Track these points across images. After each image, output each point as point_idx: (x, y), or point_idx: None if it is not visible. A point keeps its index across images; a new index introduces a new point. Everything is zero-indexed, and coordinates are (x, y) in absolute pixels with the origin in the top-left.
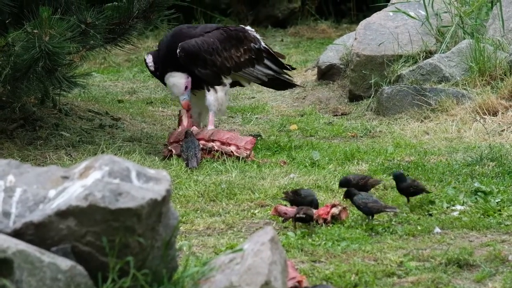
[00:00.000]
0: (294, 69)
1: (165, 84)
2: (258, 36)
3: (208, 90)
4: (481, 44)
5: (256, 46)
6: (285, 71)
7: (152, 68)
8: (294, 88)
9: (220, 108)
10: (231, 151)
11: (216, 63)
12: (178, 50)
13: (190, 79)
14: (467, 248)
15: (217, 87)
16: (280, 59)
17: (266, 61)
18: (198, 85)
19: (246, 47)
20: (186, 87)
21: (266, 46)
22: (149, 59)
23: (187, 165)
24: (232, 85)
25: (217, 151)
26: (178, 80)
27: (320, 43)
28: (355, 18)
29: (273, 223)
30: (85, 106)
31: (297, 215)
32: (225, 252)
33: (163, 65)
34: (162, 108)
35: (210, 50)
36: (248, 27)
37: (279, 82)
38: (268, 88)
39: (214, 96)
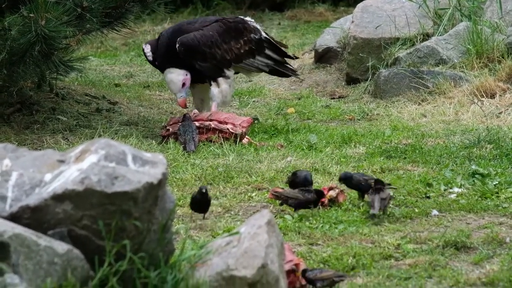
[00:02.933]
0: (297, 58)
1: (160, 67)
2: (258, 26)
3: (211, 84)
4: (479, 26)
5: (256, 37)
6: (286, 62)
7: (150, 58)
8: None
9: (224, 100)
10: (227, 129)
11: (216, 56)
12: (177, 45)
13: (189, 76)
14: (464, 230)
15: (219, 79)
16: (282, 48)
17: (267, 51)
18: (200, 79)
19: (246, 38)
20: (183, 84)
21: (267, 36)
22: (147, 48)
23: (184, 148)
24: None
25: (214, 129)
26: (176, 76)
27: (317, 27)
28: (353, 1)
29: (271, 206)
30: (82, 90)
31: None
32: (222, 235)
33: (163, 61)
34: (159, 92)
35: (209, 44)
36: (247, 18)
37: (280, 73)
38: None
39: (218, 89)
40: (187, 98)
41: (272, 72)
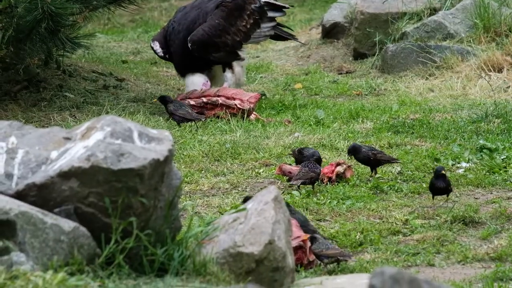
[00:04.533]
0: (292, 6)
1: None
2: None
3: (225, 70)
4: (486, 0)
5: (257, 6)
6: (285, 14)
7: (161, 54)
8: (299, 45)
9: (238, 82)
10: (235, 104)
11: (227, 43)
12: (189, 45)
13: (208, 83)
14: (472, 205)
15: (234, 63)
16: (276, 2)
17: (269, 13)
18: (214, 64)
19: (249, 12)
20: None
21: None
22: (156, 46)
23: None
24: None
25: (221, 104)
26: (197, 78)
27: (324, 1)
28: None
29: (278, 182)
30: (89, 67)
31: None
32: (229, 212)
33: (182, 66)
34: (167, 68)
35: (218, 33)
36: None
37: (283, 37)
38: (272, 47)
39: (232, 73)
40: (156, 60)
41: (275, 37)
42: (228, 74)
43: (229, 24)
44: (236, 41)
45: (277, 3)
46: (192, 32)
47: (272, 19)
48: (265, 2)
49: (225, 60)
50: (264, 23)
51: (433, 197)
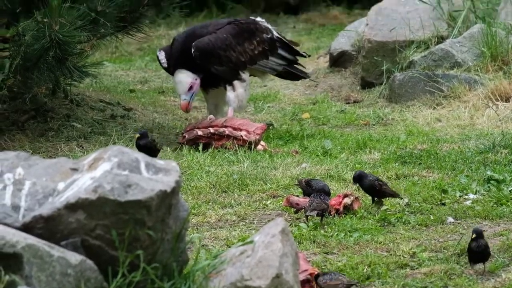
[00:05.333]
0: (309, 56)
1: (171, 67)
2: (269, 26)
3: (226, 89)
4: (493, 28)
5: (269, 36)
6: (298, 61)
7: (165, 65)
8: (309, 75)
9: (240, 105)
10: (241, 136)
11: (231, 59)
12: (192, 50)
13: (198, 82)
14: None
15: (235, 83)
16: (294, 47)
17: (280, 51)
18: (214, 83)
19: (258, 39)
20: (190, 87)
21: (278, 35)
22: (162, 55)
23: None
24: None
25: (228, 136)
26: (185, 78)
27: (332, 30)
28: (367, 4)
29: (285, 214)
30: (96, 96)
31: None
32: (236, 245)
33: (176, 63)
34: (174, 97)
35: (224, 47)
36: (258, 18)
37: (292, 74)
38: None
39: (234, 94)
40: (191, 103)
41: (284, 75)
42: (230, 94)
43: (236, 42)
44: (241, 60)
45: (293, 46)
46: (198, 38)
47: (283, 58)
48: (278, 38)
49: (226, 76)
50: (273, 57)
51: (471, 265)
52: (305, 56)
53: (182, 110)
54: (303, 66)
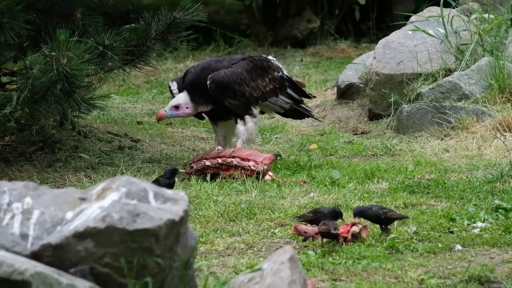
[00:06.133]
0: (314, 97)
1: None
2: (280, 65)
3: (237, 122)
4: (501, 61)
5: (279, 75)
6: (303, 100)
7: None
8: (314, 105)
9: (250, 138)
10: (249, 166)
11: (245, 94)
12: (208, 82)
13: (189, 111)
14: (488, 265)
15: (246, 117)
16: (301, 87)
17: (288, 90)
18: (224, 117)
19: (270, 77)
20: (176, 107)
21: (288, 75)
22: (174, 86)
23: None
24: None
25: (236, 166)
26: (180, 96)
27: (339, 63)
28: (375, 37)
29: (293, 242)
30: (104, 128)
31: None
32: (245, 272)
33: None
34: (182, 129)
35: (239, 81)
36: (270, 56)
37: (297, 112)
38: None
39: (244, 127)
40: (167, 118)
41: (289, 113)
42: (240, 127)
43: (250, 78)
44: (253, 96)
45: (300, 87)
46: (213, 71)
47: (291, 97)
48: (287, 77)
49: (237, 110)
50: (282, 95)
51: None
52: (311, 98)
53: (156, 117)
54: (306, 105)
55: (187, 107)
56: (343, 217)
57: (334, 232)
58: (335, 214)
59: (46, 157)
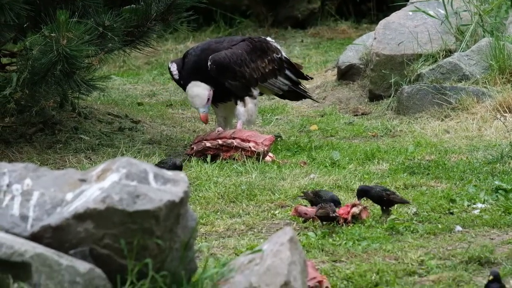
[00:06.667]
0: (311, 78)
1: (183, 80)
2: (279, 46)
3: (237, 103)
4: (501, 42)
5: (278, 56)
6: (301, 82)
7: (176, 77)
8: (314, 87)
9: (250, 119)
10: (249, 147)
11: (245, 75)
12: (209, 63)
13: (211, 92)
14: (488, 246)
15: (246, 98)
16: (299, 69)
17: (287, 72)
18: (224, 98)
19: (269, 58)
20: (208, 100)
21: (286, 56)
22: (173, 67)
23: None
24: None
25: (236, 147)
26: (202, 91)
27: (340, 44)
28: (375, 18)
29: (294, 224)
30: (104, 109)
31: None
32: (245, 253)
33: (189, 76)
34: (182, 110)
35: (239, 62)
36: (269, 38)
37: (295, 94)
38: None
39: (244, 108)
40: (209, 114)
41: (287, 94)
42: (240, 109)
43: (250, 59)
44: (253, 77)
45: (298, 69)
46: (214, 52)
47: (289, 78)
48: (286, 59)
49: (238, 91)
50: (281, 76)
51: None
52: (308, 79)
53: (203, 122)
54: (305, 88)
55: (210, 90)
56: (344, 198)
57: (333, 215)
58: (333, 202)
59: (46, 138)
